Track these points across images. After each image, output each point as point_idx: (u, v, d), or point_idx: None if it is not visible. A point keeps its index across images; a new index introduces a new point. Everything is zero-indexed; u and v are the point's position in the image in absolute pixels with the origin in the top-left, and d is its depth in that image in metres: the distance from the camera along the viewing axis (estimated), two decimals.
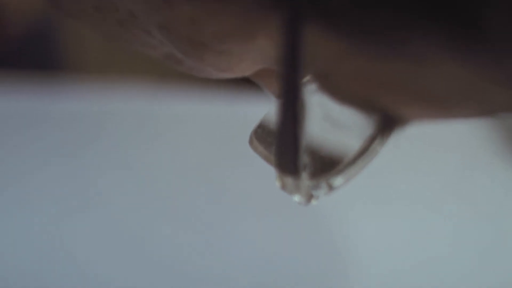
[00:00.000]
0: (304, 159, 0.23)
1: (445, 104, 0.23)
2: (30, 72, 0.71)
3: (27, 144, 0.61)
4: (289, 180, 0.23)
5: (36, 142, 0.61)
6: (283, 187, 0.23)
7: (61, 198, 0.56)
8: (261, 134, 0.25)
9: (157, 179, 0.58)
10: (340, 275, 0.50)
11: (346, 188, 0.25)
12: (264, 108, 0.25)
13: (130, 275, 0.51)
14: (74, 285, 0.50)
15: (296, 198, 0.24)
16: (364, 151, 0.25)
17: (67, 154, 0.60)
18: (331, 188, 0.24)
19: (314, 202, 0.24)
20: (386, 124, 0.25)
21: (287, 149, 0.22)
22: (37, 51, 0.83)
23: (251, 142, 0.25)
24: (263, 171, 0.28)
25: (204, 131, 0.64)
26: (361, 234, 0.53)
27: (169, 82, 0.68)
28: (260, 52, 0.24)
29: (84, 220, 0.54)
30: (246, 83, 0.30)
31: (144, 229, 0.54)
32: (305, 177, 0.23)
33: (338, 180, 0.24)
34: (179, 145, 0.62)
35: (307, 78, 0.23)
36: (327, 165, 0.24)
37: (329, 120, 0.25)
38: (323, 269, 0.51)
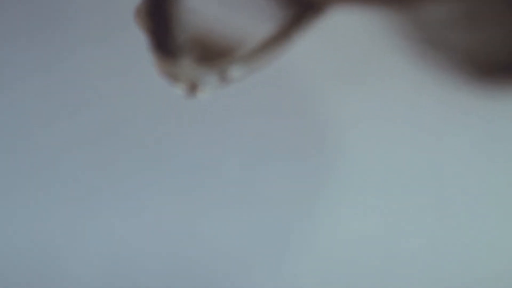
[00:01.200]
0: (187, 41, 0.19)
1: None
2: None
3: None
4: (166, 65, 0.19)
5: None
6: (161, 72, 0.19)
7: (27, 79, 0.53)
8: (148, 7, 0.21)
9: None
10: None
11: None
12: None
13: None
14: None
15: (177, 88, 0.20)
16: (275, 39, 0.21)
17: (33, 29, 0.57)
18: (226, 79, 0.20)
19: (202, 94, 0.20)
20: (303, 10, 0.21)
21: (161, 26, 0.18)
22: None
23: (136, 15, 0.21)
24: None
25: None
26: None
27: None
28: None
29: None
30: None
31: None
32: (187, 62, 0.19)
33: (236, 70, 0.20)
34: None
35: None
36: (221, 52, 0.20)
37: (228, 3, 0.20)
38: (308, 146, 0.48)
